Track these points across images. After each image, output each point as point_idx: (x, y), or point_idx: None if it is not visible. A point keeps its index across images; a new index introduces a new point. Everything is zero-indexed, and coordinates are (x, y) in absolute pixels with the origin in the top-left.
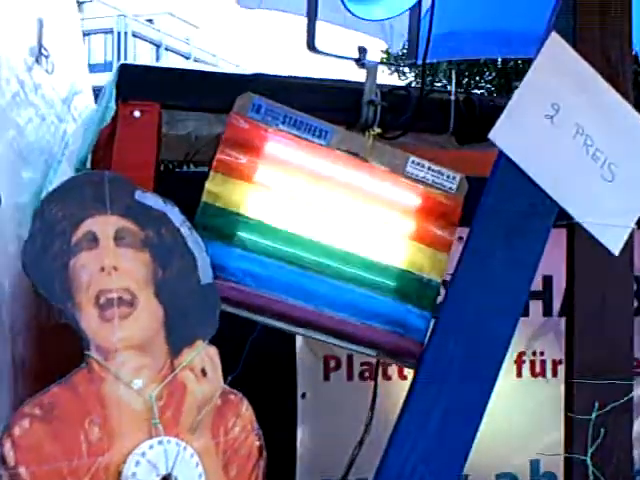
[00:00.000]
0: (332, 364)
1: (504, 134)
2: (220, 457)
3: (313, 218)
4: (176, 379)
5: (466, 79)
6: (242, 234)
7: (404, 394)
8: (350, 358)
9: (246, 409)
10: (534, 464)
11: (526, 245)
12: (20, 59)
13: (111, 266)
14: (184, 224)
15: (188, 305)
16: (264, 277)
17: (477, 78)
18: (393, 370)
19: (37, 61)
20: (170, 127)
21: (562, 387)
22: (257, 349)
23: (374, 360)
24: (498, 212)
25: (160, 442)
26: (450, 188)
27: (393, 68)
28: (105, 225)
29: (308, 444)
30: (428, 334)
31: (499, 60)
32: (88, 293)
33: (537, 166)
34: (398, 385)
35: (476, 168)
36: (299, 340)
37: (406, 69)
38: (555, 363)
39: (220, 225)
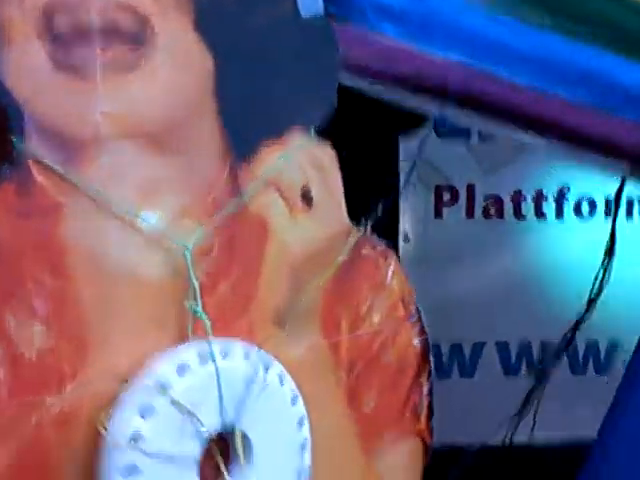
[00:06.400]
0: (446, 196)
1: None
2: (343, 374)
3: None
4: (245, 210)
5: None
6: None
7: None
8: (471, 189)
9: (393, 274)
10: None
11: None
12: None
13: None
14: None
15: (274, 58)
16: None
17: None
18: (529, 208)
19: None
20: None
21: None
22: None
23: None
24: None
25: (203, 358)
26: None
27: None
28: None
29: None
30: None
31: None
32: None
33: None
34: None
35: None
36: (403, 162)
37: None
38: None
39: None
